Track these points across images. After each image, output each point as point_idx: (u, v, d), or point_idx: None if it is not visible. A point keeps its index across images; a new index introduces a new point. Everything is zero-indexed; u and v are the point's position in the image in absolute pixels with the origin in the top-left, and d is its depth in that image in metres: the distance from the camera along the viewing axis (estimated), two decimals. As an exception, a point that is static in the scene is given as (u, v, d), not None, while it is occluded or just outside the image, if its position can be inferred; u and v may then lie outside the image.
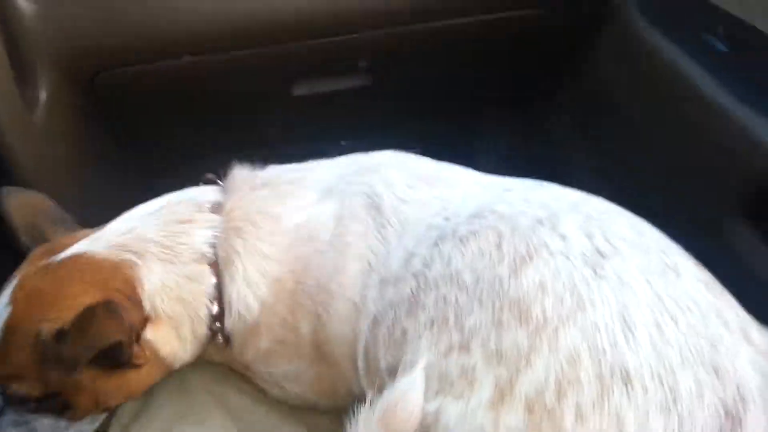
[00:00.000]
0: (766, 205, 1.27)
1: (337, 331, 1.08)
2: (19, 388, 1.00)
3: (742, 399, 0.80)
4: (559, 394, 0.79)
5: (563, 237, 0.91)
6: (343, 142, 1.80)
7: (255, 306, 1.09)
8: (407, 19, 1.63)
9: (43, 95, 1.40)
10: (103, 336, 0.93)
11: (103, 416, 1.12)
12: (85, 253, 1.05)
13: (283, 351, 1.12)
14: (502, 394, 0.82)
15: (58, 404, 1.03)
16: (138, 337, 1.03)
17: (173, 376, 1.18)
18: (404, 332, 0.98)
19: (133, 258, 1.05)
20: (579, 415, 0.78)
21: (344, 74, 1.78)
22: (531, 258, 0.90)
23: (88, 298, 0.98)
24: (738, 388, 0.81)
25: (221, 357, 1.19)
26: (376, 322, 1.03)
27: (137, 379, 1.07)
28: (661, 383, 0.79)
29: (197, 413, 1.15)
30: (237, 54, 1.56)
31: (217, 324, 1.09)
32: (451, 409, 0.85)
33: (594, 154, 1.72)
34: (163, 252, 1.07)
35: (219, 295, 1.08)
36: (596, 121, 1.76)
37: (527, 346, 0.83)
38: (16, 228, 1.12)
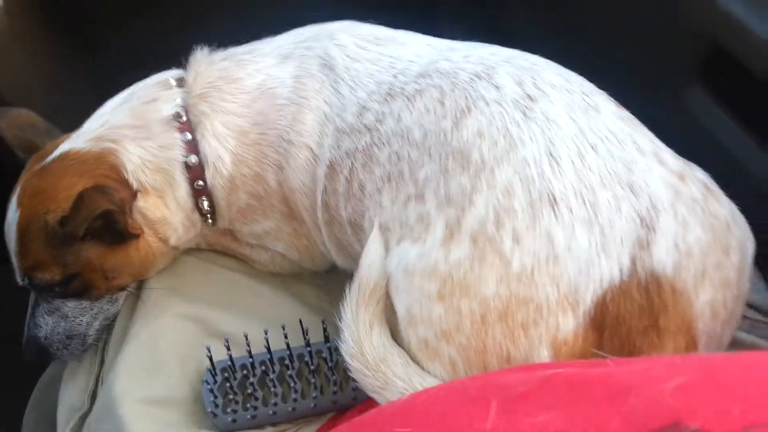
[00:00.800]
0: (721, 68, 1.31)
1: (298, 180, 1.17)
2: (43, 276, 1.15)
3: (654, 208, 0.90)
4: (498, 224, 0.89)
5: (497, 87, 0.99)
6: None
7: (226, 157, 1.18)
8: None
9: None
10: (94, 206, 1.06)
11: (122, 297, 1.25)
12: (69, 150, 1.17)
13: (259, 205, 1.22)
14: (451, 232, 0.92)
15: (78, 285, 1.18)
16: (130, 210, 1.14)
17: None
18: (362, 186, 1.08)
19: (111, 145, 1.16)
20: (515, 238, 0.88)
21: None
22: (470, 110, 0.98)
23: (80, 186, 1.11)
24: (650, 199, 0.91)
25: (208, 239, 1.29)
26: (332, 169, 1.12)
27: (138, 254, 1.19)
28: (584, 202, 0.89)
29: (188, 291, 1.24)
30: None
31: (199, 182, 1.19)
32: (411, 251, 0.95)
33: (551, 28, 1.73)
34: (137, 132, 1.17)
35: (195, 151, 1.17)
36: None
37: (470, 187, 0.92)
38: (11, 145, 1.23)
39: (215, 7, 1.78)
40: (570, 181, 0.90)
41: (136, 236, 1.16)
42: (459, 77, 1.04)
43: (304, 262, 1.29)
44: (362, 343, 0.97)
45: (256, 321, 1.16)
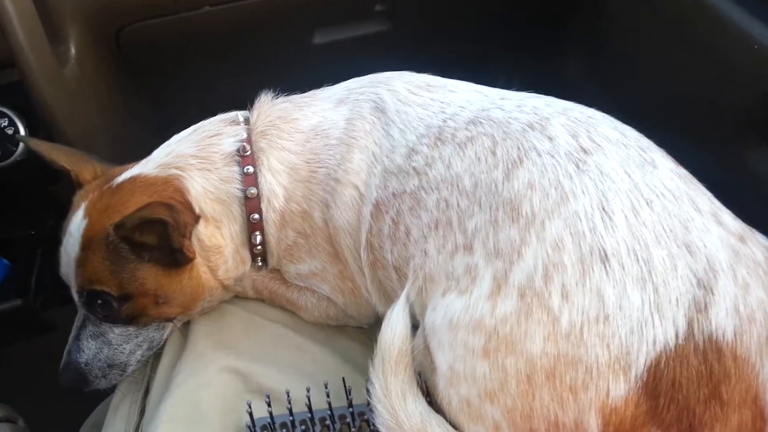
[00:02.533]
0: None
1: (343, 218, 1.18)
2: (99, 288, 1.16)
3: (713, 270, 0.86)
4: (546, 278, 0.87)
5: (551, 138, 0.98)
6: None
7: (279, 192, 1.21)
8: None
9: (73, 51, 1.47)
10: (153, 213, 1.09)
11: (168, 328, 1.26)
12: (138, 174, 1.22)
13: (305, 244, 1.23)
14: (499, 285, 0.90)
15: (130, 308, 1.19)
16: (190, 234, 1.17)
17: (213, 311, 1.28)
18: (408, 231, 1.08)
19: (178, 172, 1.21)
20: (564, 294, 0.85)
21: (363, 20, 1.80)
22: (521, 161, 0.97)
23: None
24: (708, 260, 0.87)
25: (257, 284, 1.29)
26: (378, 209, 1.13)
27: (190, 282, 1.21)
28: (637, 259, 0.86)
29: (233, 343, 1.24)
30: (255, 2, 1.60)
31: (255, 216, 1.21)
32: (457, 304, 0.93)
33: (608, 88, 1.72)
34: (200, 163, 1.22)
35: (255, 184, 1.20)
36: (609, 55, 1.76)
37: (519, 239, 0.91)
38: (58, 162, 1.27)
39: (275, 60, 1.82)
40: (623, 237, 0.87)
41: (190, 259, 1.18)
42: (511, 127, 1.03)
43: (350, 309, 1.27)
44: (398, 414, 0.94)
45: (298, 377, 1.15)
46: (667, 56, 1.54)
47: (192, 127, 1.29)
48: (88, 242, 1.16)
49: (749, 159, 1.33)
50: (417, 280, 1.04)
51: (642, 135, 1.03)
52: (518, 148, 0.99)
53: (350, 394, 1.04)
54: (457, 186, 1.02)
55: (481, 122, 1.07)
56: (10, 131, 1.47)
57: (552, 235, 0.89)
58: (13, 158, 1.48)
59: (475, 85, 1.22)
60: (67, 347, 1.23)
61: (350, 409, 1.04)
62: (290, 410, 1.04)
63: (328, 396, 1.04)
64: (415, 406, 0.94)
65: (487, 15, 1.90)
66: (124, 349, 1.22)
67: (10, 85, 1.38)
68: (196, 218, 1.18)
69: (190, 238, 1.17)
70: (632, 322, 0.83)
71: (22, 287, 1.74)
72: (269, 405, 1.04)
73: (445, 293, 0.96)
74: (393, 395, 0.94)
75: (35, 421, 1.50)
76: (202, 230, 1.20)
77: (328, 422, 1.04)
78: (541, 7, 1.87)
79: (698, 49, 1.43)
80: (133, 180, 1.21)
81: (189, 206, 1.18)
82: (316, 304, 1.29)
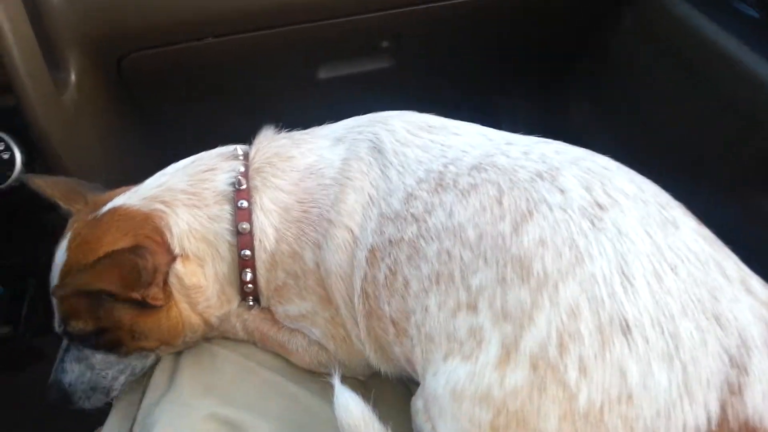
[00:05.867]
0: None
1: (334, 261, 1.12)
2: (76, 325, 1.14)
3: (746, 346, 0.79)
4: (562, 348, 0.80)
5: (562, 191, 0.92)
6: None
7: (271, 233, 1.16)
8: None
9: (72, 77, 1.45)
10: (87, 283, 1.07)
11: (152, 357, 1.23)
12: (121, 206, 1.18)
13: (295, 285, 1.18)
14: (508, 352, 0.83)
15: (108, 340, 1.17)
16: (163, 275, 1.14)
17: (202, 352, 1.23)
18: (407, 282, 1.01)
19: (162, 207, 1.16)
20: (581, 369, 0.78)
21: (368, 56, 1.79)
22: (531, 214, 0.91)
23: (122, 243, 1.12)
24: (740, 335, 0.80)
25: (248, 324, 1.24)
26: (373, 255, 1.07)
27: (168, 321, 1.17)
28: (662, 332, 0.78)
29: (223, 389, 1.18)
30: (260, 35, 1.58)
31: (246, 252, 1.16)
32: (461, 371, 0.86)
33: (613, 130, 1.69)
34: (189, 199, 1.18)
35: (249, 220, 1.16)
36: (616, 98, 1.74)
37: (530, 302, 0.84)
38: (52, 197, 1.26)
39: (278, 94, 1.81)
40: (645, 306, 0.80)
41: (159, 306, 1.14)
42: (518, 175, 0.97)
43: (341, 356, 1.21)
44: None
45: (290, 430, 1.09)
46: (674, 99, 1.51)
47: (190, 158, 1.26)
48: (66, 276, 1.14)
49: (766, 208, 1.29)
50: (420, 340, 0.97)
51: (660, 189, 0.97)
52: (527, 199, 0.93)
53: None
54: (460, 237, 0.96)
55: (485, 169, 1.01)
56: (6, 156, 1.44)
57: (567, 299, 0.82)
58: (7, 183, 1.45)
59: (480, 127, 1.18)
60: (54, 366, 1.21)
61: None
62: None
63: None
64: None
65: (493, 57, 1.89)
66: (107, 374, 1.19)
67: (7, 109, 1.36)
68: (172, 259, 1.14)
69: (163, 282, 1.13)
70: (658, 403, 0.76)
71: (12, 315, 1.71)
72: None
73: (447, 357, 0.89)
74: None
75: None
76: (182, 269, 1.16)
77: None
78: (546, 50, 1.85)
79: (708, 89, 1.40)
80: (113, 212, 1.17)
81: (167, 246, 1.14)
82: (306, 349, 1.23)
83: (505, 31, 1.78)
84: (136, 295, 1.10)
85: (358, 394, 0.96)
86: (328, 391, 1.15)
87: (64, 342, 1.22)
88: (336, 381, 0.97)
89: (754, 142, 1.31)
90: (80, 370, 1.19)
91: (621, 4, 1.67)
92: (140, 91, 1.63)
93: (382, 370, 1.17)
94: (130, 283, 1.09)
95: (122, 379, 1.21)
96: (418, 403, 0.96)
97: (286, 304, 1.21)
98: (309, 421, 1.11)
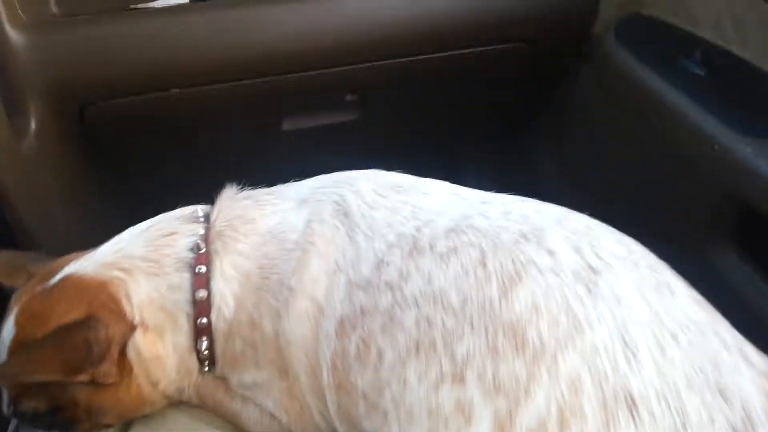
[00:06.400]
0: (752, 230, 1.26)
1: (296, 332, 1.05)
2: (28, 404, 1.07)
3: (750, 420, 0.76)
4: (562, 425, 0.74)
5: (551, 252, 0.86)
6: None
7: (231, 301, 1.09)
8: (393, 53, 1.66)
9: (32, 124, 1.41)
10: (32, 372, 1.00)
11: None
12: (73, 273, 1.10)
13: (252, 354, 1.10)
14: (501, 428, 0.77)
15: (65, 419, 1.09)
16: (123, 349, 1.06)
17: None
18: (380, 354, 0.93)
19: (121, 275, 1.09)
20: None
21: (332, 109, 1.80)
22: (520, 277, 0.85)
23: (73, 314, 1.03)
24: (744, 409, 0.76)
25: (200, 390, 1.18)
26: (343, 327, 0.99)
27: (127, 395, 1.09)
28: (669, 408, 0.74)
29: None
30: (224, 87, 1.58)
31: (203, 320, 1.09)
32: None
33: (577, 183, 1.73)
34: (149, 266, 1.10)
35: (206, 287, 1.09)
36: (578, 150, 1.78)
37: (526, 375, 0.78)
38: None
39: (243, 146, 1.81)
40: (650, 379, 0.75)
41: (111, 383, 1.06)
42: (501, 237, 0.90)
43: (294, 429, 1.13)
44: None
45: None
46: (631, 151, 1.55)
47: (147, 222, 1.19)
48: (15, 354, 1.06)
49: (719, 264, 1.31)
50: (398, 417, 0.90)
51: (645, 249, 0.94)
52: (513, 261, 0.87)
53: None
54: (441, 302, 0.88)
55: (464, 231, 0.94)
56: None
57: (567, 372, 0.76)
58: None
59: (451, 185, 1.13)
60: None
61: None
62: None
63: None
64: None
65: (456, 112, 1.92)
66: None
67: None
68: (130, 329, 1.07)
69: (120, 355, 1.06)
70: None
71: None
72: None
73: None
74: None
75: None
76: (140, 340, 1.08)
77: None
78: (509, 106, 1.90)
79: (660, 143, 1.45)
80: (65, 281, 1.10)
81: (122, 315, 1.06)
82: (257, 420, 1.15)
83: (468, 88, 1.82)
84: (83, 378, 1.03)
85: None
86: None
87: (13, 423, 1.14)
88: None
89: (703, 199, 1.34)
90: None
91: (579, 62, 1.73)
92: (103, 140, 1.60)
93: None
94: (76, 364, 1.01)
95: None
96: None
97: (241, 373, 1.13)
98: None
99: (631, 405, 0.73)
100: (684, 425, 0.73)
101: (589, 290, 0.81)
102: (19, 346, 1.06)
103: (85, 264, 1.12)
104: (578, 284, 0.82)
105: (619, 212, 1.22)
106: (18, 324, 1.08)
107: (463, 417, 0.79)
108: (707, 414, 0.74)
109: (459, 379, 0.81)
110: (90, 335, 1.01)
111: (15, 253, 1.23)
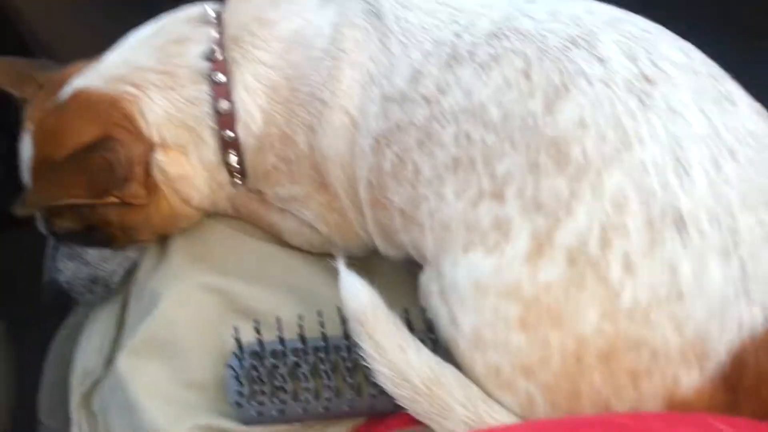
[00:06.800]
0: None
1: (331, 147, 1.01)
2: (61, 223, 1.06)
3: None
4: (604, 243, 0.73)
5: (602, 60, 0.80)
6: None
7: (257, 114, 1.04)
8: None
9: None
10: (59, 196, 0.98)
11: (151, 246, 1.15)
12: (83, 89, 1.04)
13: (287, 169, 1.07)
14: (540, 246, 0.76)
15: (100, 236, 1.09)
16: (144, 165, 1.04)
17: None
18: (417, 170, 0.91)
19: (132, 90, 1.03)
20: (626, 266, 0.72)
21: None
22: (567, 89, 0.79)
23: (88, 134, 1.00)
24: None
25: (236, 202, 1.16)
26: (379, 143, 0.95)
27: (158, 213, 1.08)
28: (719, 226, 0.72)
29: (215, 260, 1.12)
30: None
31: (229, 133, 1.04)
32: (485, 264, 0.79)
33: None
34: (161, 80, 1.03)
35: (227, 97, 1.04)
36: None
37: (568, 192, 0.75)
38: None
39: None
40: (702, 197, 0.72)
41: (142, 204, 1.05)
42: (548, 42, 0.84)
43: (336, 239, 1.11)
44: (402, 370, 0.82)
45: (288, 300, 1.03)
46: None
47: (152, 26, 1.08)
48: (38, 175, 1.04)
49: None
50: (433, 227, 0.89)
51: (706, 56, 0.85)
52: (560, 71, 0.80)
53: (345, 323, 0.95)
54: (481, 118, 0.83)
55: (506, 36, 0.86)
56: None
57: (612, 189, 0.73)
58: None
59: None
60: (45, 266, 1.12)
61: (345, 341, 0.95)
62: (281, 338, 0.96)
63: (322, 326, 0.95)
64: (419, 358, 0.82)
65: None
66: (105, 267, 1.12)
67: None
68: (149, 148, 1.02)
69: (146, 175, 1.03)
70: (712, 303, 0.71)
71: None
72: (258, 332, 0.95)
73: (468, 249, 0.81)
74: (389, 352, 0.82)
75: (15, 319, 1.39)
76: (163, 159, 1.04)
77: (321, 354, 0.97)
78: None
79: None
80: (77, 97, 1.04)
81: (139, 135, 1.01)
82: (297, 230, 1.13)
83: None
84: (112, 199, 1.01)
85: (364, 278, 0.89)
86: (329, 271, 1.07)
87: (50, 242, 1.13)
88: (340, 264, 0.90)
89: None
90: (75, 267, 1.10)
91: None
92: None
93: (385, 253, 1.08)
94: (102, 186, 0.98)
95: (121, 271, 1.13)
96: (431, 285, 0.89)
97: (275, 187, 1.10)
98: (308, 294, 1.05)
99: (680, 223, 0.72)
100: (736, 244, 0.72)
101: (642, 103, 0.77)
102: (40, 165, 1.04)
103: (92, 77, 1.05)
104: (630, 96, 0.77)
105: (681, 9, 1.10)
106: (35, 143, 1.05)
107: (501, 233, 0.79)
108: (761, 233, 0.73)
109: (498, 197, 0.80)
110: (110, 156, 0.97)
111: (19, 60, 1.15)
